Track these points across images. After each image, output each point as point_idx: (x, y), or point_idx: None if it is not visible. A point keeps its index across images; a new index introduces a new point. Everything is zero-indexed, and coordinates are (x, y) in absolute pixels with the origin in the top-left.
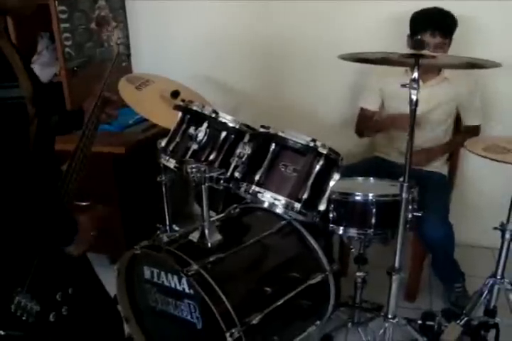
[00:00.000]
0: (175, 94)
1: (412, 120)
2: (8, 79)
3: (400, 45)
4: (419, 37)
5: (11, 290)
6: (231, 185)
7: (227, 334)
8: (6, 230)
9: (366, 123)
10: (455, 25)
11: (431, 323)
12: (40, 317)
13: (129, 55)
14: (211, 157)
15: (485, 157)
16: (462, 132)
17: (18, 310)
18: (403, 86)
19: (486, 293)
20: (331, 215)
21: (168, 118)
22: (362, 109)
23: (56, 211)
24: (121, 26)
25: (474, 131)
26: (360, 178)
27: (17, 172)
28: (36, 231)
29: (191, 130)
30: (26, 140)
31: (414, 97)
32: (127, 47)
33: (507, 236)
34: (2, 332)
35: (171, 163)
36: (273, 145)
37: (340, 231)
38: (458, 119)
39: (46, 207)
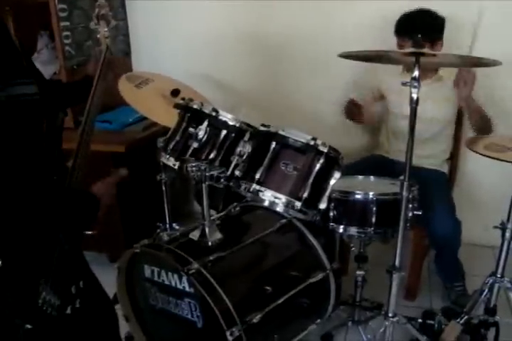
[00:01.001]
0: (175, 92)
1: (412, 118)
2: (22, 75)
3: None
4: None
5: (37, 286)
6: (231, 184)
7: (228, 333)
8: (24, 224)
9: (352, 113)
10: (431, 27)
11: (431, 322)
12: (60, 310)
13: (128, 53)
14: (211, 155)
15: (485, 155)
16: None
17: (44, 304)
18: (404, 84)
19: (486, 291)
20: (331, 214)
21: (168, 117)
22: (350, 99)
23: (69, 201)
24: (112, 20)
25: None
26: (360, 177)
27: (32, 168)
28: (53, 223)
29: (191, 128)
30: (40, 137)
31: (414, 96)
32: (127, 45)
33: (507, 234)
34: (29, 326)
35: (171, 162)
36: (273, 144)
37: (341, 230)
38: (458, 123)
39: (58, 201)
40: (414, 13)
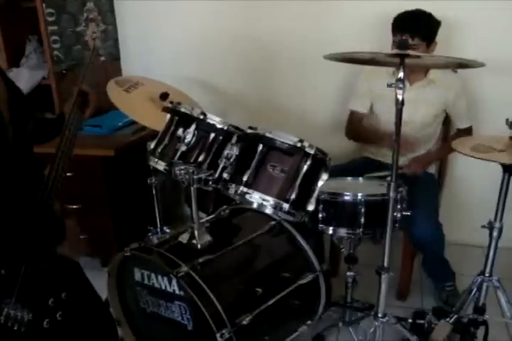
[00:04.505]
0: (164, 96)
1: (398, 119)
2: None
3: (388, 45)
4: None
5: None
6: (220, 186)
7: (218, 335)
8: None
9: (355, 127)
10: (429, 26)
11: (421, 322)
12: (33, 325)
13: (118, 58)
14: (200, 158)
15: (472, 156)
16: (455, 135)
17: (8, 321)
18: (389, 86)
19: (474, 290)
20: (320, 215)
21: (157, 121)
22: (351, 112)
23: (40, 213)
24: (101, 24)
25: (467, 133)
26: (349, 178)
27: None
28: (21, 236)
29: (180, 132)
30: (3, 145)
31: (400, 97)
32: (117, 49)
33: (494, 234)
34: None
35: (160, 165)
36: (260, 146)
37: (330, 231)
38: (446, 125)
39: (28, 210)
40: (412, 12)
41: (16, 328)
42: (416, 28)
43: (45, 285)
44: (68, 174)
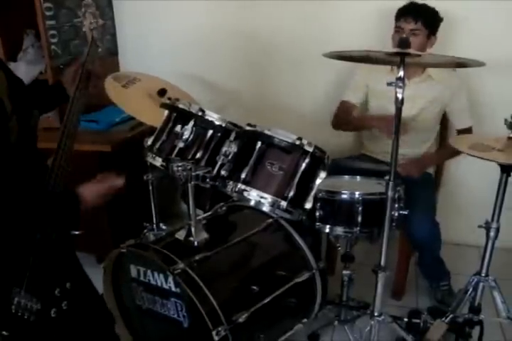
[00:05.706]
0: (162, 92)
1: (397, 118)
2: None
3: (387, 43)
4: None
5: (10, 292)
6: (217, 184)
7: (214, 333)
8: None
9: (344, 116)
10: (432, 15)
11: (417, 321)
12: (42, 314)
13: (116, 53)
14: (197, 155)
15: (469, 154)
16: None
17: (19, 310)
18: (389, 84)
19: (470, 290)
20: (317, 213)
21: (155, 117)
22: (343, 102)
23: (46, 202)
24: (99, 19)
25: (467, 133)
26: (346, 176)
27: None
28: (28, 225)
29: (177, 128)
30: (6, 136)
31: (399, 96)
32: (115, 45)
33: (491, 234)
34: (5, 333)
35: (158, 162)
36: (259, 144)
37: (327, 230)
38: (443, 126)
39: (34, 201)
40: (417, 3)
41: (26, 317)
42: (420, 12)
43: (51, 276)
44: None
